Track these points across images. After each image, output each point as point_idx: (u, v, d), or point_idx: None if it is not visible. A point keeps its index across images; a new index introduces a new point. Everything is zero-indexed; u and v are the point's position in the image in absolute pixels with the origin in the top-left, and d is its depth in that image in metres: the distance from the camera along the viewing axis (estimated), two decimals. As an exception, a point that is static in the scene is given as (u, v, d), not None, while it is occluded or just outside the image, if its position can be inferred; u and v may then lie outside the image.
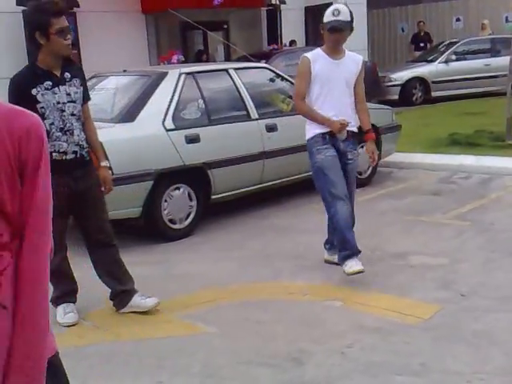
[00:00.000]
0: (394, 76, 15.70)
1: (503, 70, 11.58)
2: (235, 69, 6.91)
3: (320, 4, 16.37)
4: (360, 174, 7.67)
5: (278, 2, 17.18)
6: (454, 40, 16.97)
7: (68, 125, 3.95)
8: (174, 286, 4.85)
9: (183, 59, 12.88)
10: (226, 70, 6.83)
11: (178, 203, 6.03)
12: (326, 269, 4.92)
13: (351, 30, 4.69)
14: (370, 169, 7.75)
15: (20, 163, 1.51)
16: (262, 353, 3.71)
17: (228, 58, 15.42)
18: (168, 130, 5.95)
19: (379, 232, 5.89)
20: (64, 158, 3.94)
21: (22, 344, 1.53)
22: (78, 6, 12.47)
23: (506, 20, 19.01)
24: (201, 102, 6.36)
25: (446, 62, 15.88)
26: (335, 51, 4.72)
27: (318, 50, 4.77)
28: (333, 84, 4.66)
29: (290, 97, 7.23)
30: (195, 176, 6.14)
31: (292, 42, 16.64)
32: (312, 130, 4.76)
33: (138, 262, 5.04)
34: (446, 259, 5.09)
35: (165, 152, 5.89)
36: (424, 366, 3.46)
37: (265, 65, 8.00)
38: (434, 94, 15.69)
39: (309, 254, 4.96)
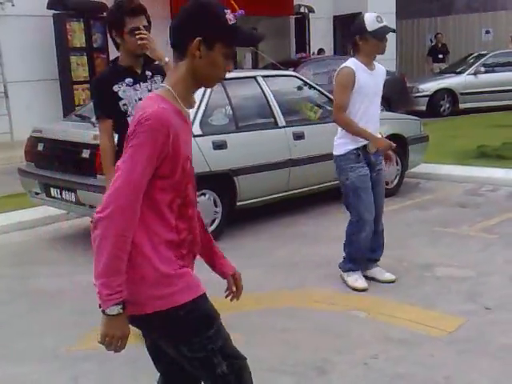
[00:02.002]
0: (422, 87, 15.63)
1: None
2: (263, 76, 6.90)
3: (349, 13, 16.41)
4: (387, 184, 7.64)
5: (306, 11, 17.24)
6: (483, 52, 16.89)
7: None
8: (199, 291, 4.85)
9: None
10: (255, 78, 6.82)
11: (204, 209, 6.01)
12: (351, 278, 4.91)
13: None
14: (397, 179, 7.73)
15: None
16: (286, 361, 3.71)
17: (256, 66, 15.46)
18: (195, 136, 5.95)
19: (405, 243, 5.85)
20: None
21: None
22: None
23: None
24: (228, 108, 6.38)
25: (475, 74, 15.78)
26: (372, 61, 4.56)
27: (356, 61, 4.51)
28: (371, 96, 4.53)
29: (318, 105, 7.23)
30: (221, 182, 6.16)
31: (320, 51, 16.66)
32: (344, 147, 4.61)
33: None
34: (473, 272, 5.04)
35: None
36: (448, 380, 3.43)
37: (293, 73, 7.95)
38: (462, 105, 15.61)
39: (335, 262, 4.95)
